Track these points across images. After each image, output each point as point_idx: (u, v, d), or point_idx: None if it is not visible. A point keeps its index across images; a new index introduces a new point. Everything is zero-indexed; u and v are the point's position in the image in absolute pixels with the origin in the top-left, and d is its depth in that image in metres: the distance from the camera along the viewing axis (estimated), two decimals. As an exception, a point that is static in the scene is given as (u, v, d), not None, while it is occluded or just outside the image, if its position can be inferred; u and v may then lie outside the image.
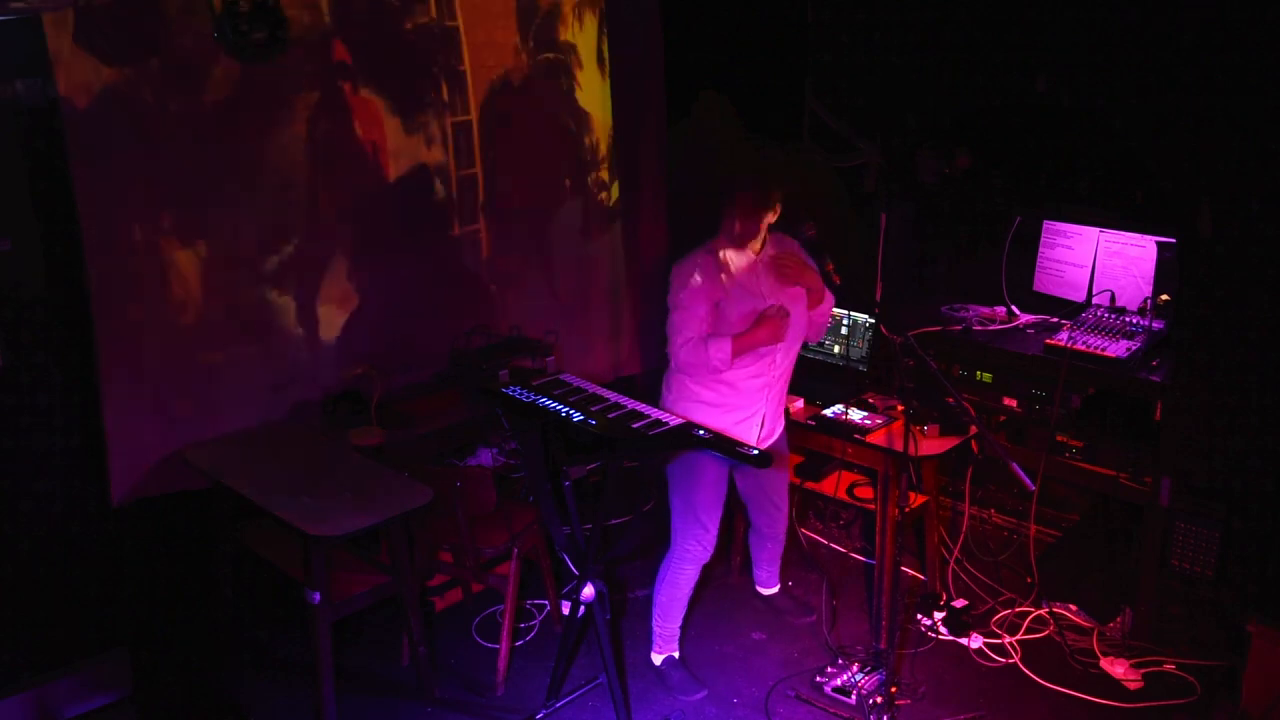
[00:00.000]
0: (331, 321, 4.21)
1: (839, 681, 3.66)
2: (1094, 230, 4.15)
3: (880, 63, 4.58)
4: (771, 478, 3.84)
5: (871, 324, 4.20)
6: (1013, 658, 3.81)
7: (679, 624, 3.74)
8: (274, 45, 3.63)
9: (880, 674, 3.67)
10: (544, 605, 4.13)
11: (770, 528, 4.01)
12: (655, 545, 4.56)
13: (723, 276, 3.43)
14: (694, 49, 5.09)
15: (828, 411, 4.01)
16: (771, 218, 3.44)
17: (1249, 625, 3.34)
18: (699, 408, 3.50)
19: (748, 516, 4.03)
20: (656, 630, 3.74)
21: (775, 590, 4.21)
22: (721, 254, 3.47)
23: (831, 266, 3.35)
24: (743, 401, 3.51)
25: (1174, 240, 3.83)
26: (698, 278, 3.43)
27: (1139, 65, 3.72)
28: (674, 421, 3.18)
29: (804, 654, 3.89)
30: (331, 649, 3.36)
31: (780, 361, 3.53)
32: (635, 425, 3.14)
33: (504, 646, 3.72)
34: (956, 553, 4.25)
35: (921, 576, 4.27)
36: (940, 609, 3.99)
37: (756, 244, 3.47)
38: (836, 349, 4.31)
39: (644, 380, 5.27)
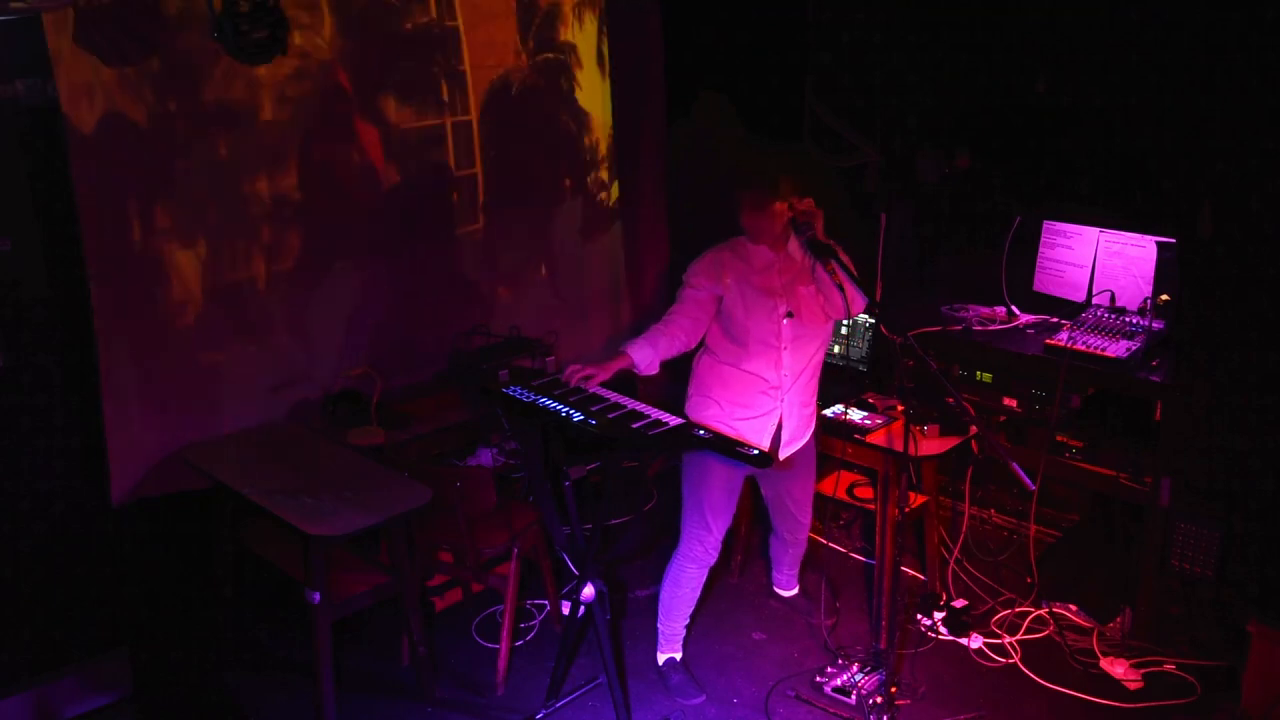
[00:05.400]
0: (331, 322, 4.21)
1: (839, 681, 3.66)
2: (1094, 230, 4.15)
3: (880, 63, 4.58)
4: (793, 485, 3.81)
5: (871, 324, 4.20)
6: (1013, 658, 3.81)
7: (682, 625, 3.74)
8: (274, 45, 3.62)
9: (880, 674, 3.67)
10: (544, 605, 4.13)
11: (791, 534, 3.99)
12: (655, 545, 4.57)
13: (729, 276, 3.41)
14: (694, 49, 5.09)
15: (828, 411, 4.00)
16: (782, 214, 3.37)
17: (1249, 625, 3.34)
18: (711, 405, 3.50)
19: (770, 520, 4.01)
20: (660, 629, 3.74)
21: (794, 592, 4.21)
22: (736, 251, 3.44)
23: (834, 266, 3.33)
24: (748, 402, 3.49)
25: (1174, 240, 3.83)
26: (702, 267, 3.44)
27: (1139, 65, 3.72)
28: (673, 421, 3.18)
29: (804, 654, 3.89)
30: (331, 649, 3.36)
31: (788, 362, 3.48)
32: (635, 425, 3.14)
33: (504, 646, 3.72)
34: (956, 553, 4.25)
35: (921, 576, 4.27)
36: (940, 609, 3.99)
37: (773, 242, 3.43)
38: (836, 349, 4.31)
39: (645, 380, 5.26)
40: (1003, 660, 3.80)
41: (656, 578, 3.78)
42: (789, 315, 3.42)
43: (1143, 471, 3.74)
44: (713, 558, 3.64)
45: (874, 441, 3.80)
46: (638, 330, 5.18)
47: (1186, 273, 3.68)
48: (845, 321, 4.28)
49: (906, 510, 3.76)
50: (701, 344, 3.57)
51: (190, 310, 3.84)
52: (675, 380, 3.71)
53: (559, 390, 3.34)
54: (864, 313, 4.18)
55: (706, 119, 5.33)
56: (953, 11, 4.27)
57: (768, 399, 3.49)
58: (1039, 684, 3.66)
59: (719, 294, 3.43)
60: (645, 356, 3.37)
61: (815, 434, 3.74)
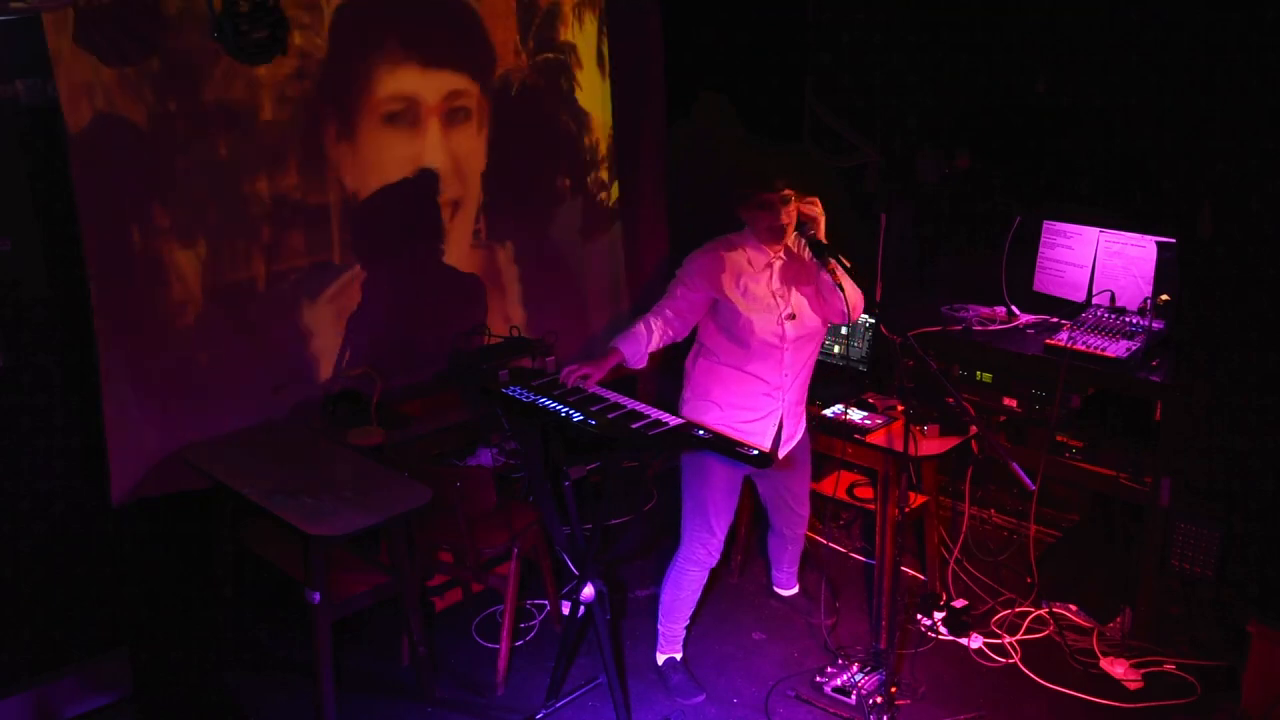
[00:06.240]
0: (331, 322, 4.21)
1: (839, 681, 3.66)
2: (1094, 230, 4.15)
3: (880, 63, 4.58)
4: (791, 481, 3.81)
5: (871, 324, 4.20)
6: (1013, 658, 3.81)
7: (683, 625, 3.74)
8: (274, 45, 3.63)
9: (880, 674, 3.67)
10: (544, 605, 4.13)
11: (790, 530, 3.99)
12: (655, 545, 4.57)
13: (728, 277, 3.40)
14: (694, 49, 5.09)
15: (828, 411, 4.01)
16: (790, 216, 3.36)
17: (1249, 625, 3.34)
18: (711, 408, 3.48)
19: (768, 518, 4.01)
20: (660, 630, 3.74)
21: (794, 591, 4.22)
22: (736, 251, 3.43)
23: (835, 266, 3.33)
24: (750, 404, 3.49)
25: (1174, 240, 3.83)
26: (698, 268, 3.42)
27: (1139, 65, 3.72)
28: (673, 421, 3.18)
29: (804, 654, 3.89)
30: (331, 649, 3.37)
31: (789, 362, 3.47)
32: (635, 425, 3.14)
33: (504, 646, 3.72)
34: (956, 553, 4.25)
35: (921, 576, 4.27)
36: (940, 609, 3.99)
37: (777, 243, 3.43)
38: (836, 349, 4.31)
39: (645, 381, 5.27)
40: (1003, 660, 3.80)
41: (656, 578, 3.78)
42: (791, 316, 3.42)
43: (1143, 471, 3.74)
44: (715, 559, 3.63)
45: (874, 441, 3.80)
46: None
47: (1186, 273, 3.68)
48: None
49: (906, 510, 3.76)
50: (697, 347, 3.56)
51: (190, 310, 3.84)
52: (672, 379, 3.70)
53: (559, 390, 3.34)
54: (864, 313, 4.19)
55: (706, 119, 5.33)
56: (953, 11, 4.27)
57: (770, 400, 3.49)
58: (1039, 684, 3.66)
59: (713, 297, 3.42)
60: (634, 351, 3.39)
61: (807, 427, 3.76)
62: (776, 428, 3.54)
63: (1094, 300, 4.13)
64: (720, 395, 3.49)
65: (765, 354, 3.43)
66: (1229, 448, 3.55)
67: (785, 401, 3.52)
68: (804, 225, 3.37)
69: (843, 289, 3.33)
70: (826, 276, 3.31)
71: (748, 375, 3.45)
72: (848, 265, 3.31)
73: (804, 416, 3.69)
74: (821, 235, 3.37)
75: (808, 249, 3.38)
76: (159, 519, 3.89)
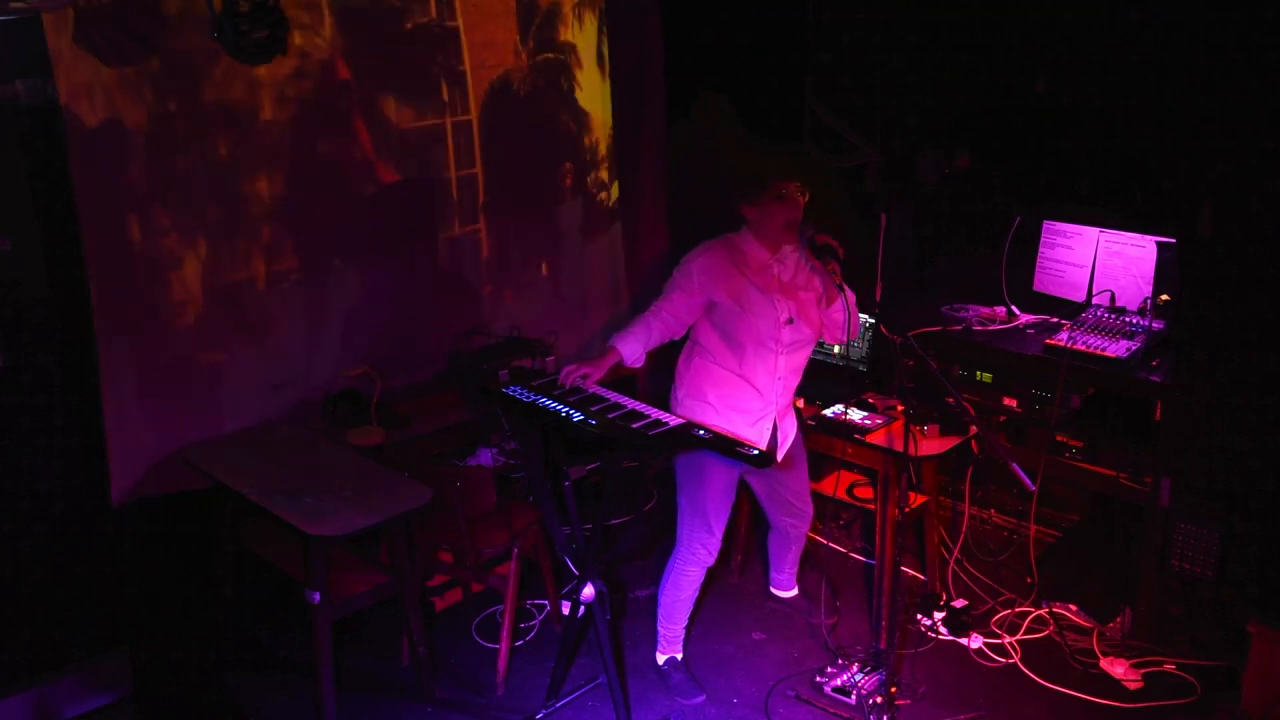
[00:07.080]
0: (331, 322, 4.22)
1: (839, 681, 3.66)
2: (1094, 230, 4.15)
3: (880, 63, 4.58)
4: (790, 479, 3.81)
5: (871, 324, 4.20)
6: (1013, 658, 3.81)
7: (683, 625, 3.74)
8: (274, 45, 3.63)
9: (880, 674, 3.67)
10: (544, 605, 4.13)
11: (794, 528, 3.97)
12: (656, 545, 4.57)
13: (730, 279, 3.38)
14: (694, 49, 5.09)
15: (828, 411, 4.01)
16: (796, 215, 3.37)
17: (1249, 625, 3.34)
18: (708, 409, 3.47)
19: (767, 519, 4.00)
20: (660, 631, 3.73)
21: (793, 593, 4.20)
22: (735, 252, 3.43)
23: (834, 267, 3.33)
24: (743, 406, 3.48)
25: (1174, 240, 3.83)
26: (699, 268, 3.41)
27: (1139, 65, 3.72)
28: (674, 421, 3.18)
29: (804, 654, 3.89)
30: (331, 649, 3.37)
31: (783, 367, 3.47)
32: (635, 425, 3.14)
33: (504, 646, 3.72)
34: (956, 553, 4.25)
35: (921, 576, 4.27)
36: (940, 609, 3.99)
37: (784, 241, 3.42)
38: (836, 349, 4.31)
39: (644, 380, 5.27)
40: (1003, 660, 3.80)
41: (656, 578, 3.78)
42: (790, 320, 3.42)
43: (1143, 471, 3.74)
44: (713, 559, 3.63)
45: (874, 441, 3.80)
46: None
47: (1186, 273, 3.68)
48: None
49: (906, 510, 3.76)
50: (690, 346, 3.56)
51: (190, 310, 3.84)
52: (667, 378, 3.70)
53: (559, 390, 3.34)
54: (863, 313, 4.19)
55: (706, 119, 5.33)
56: (953, 11, 4.27)
57: (761, 403, 3.49)
58: (1039, 684, 3.66)
59: (713, 299, 3.42)
60: (633, 351, 3.39)
61: (799, 425, 3.76)
62: (772, 430, 3.55)
63: (1094, 300, 4.13)
64: (715, 396, 3.48)
65: (760, 357, 3.43)
66: (1229, 448, 3.55)
67: (777, 405, 3.53)
68: (804, 228, 3.37)
69: (843, 289, 3.33)
70: (822, 283, 3.32)
71: (739, 378, 3.45)
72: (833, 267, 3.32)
73: (795, 417, 3.70)
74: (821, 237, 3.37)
75: (806, 255, 3.38)
76: (159, 519, 3.88)
